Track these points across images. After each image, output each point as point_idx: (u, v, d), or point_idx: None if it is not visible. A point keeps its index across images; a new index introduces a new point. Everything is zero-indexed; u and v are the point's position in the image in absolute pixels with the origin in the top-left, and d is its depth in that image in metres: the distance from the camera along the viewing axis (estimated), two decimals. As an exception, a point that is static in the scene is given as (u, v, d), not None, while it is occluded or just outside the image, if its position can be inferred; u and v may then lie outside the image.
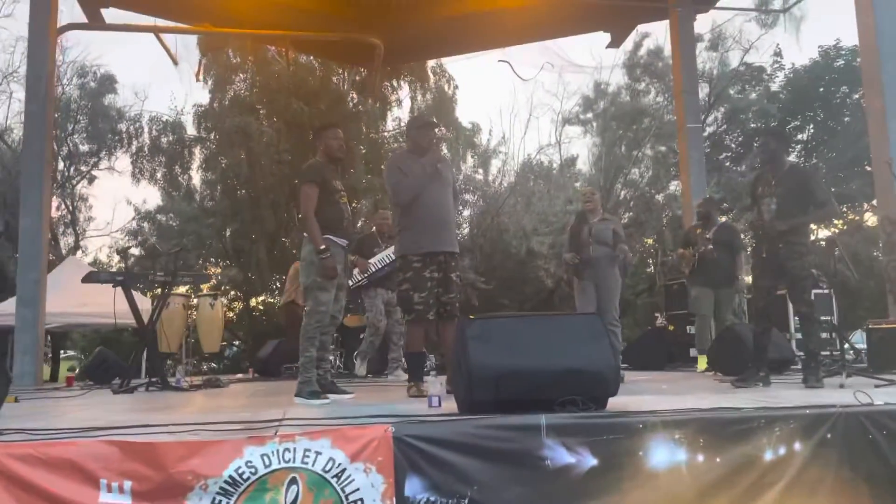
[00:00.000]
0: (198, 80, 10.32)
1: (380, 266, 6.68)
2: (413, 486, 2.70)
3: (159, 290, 8.49)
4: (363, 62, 11.12)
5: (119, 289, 6.30)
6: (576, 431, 2.90)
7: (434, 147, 4.75)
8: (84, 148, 14.38)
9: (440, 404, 3.46)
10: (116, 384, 6.00)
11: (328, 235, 4.43)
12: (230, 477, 2.53)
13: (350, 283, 6.70)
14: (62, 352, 18.32)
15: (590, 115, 18.52)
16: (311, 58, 14.25)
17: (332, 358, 4.77)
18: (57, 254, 14.18)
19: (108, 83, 14.02)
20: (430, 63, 16.52)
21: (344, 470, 2.63)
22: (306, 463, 2.64)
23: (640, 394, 4.26)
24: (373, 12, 10.13)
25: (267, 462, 2.61)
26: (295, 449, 2.65)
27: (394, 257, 6.12)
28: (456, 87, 16.79)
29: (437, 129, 4.83)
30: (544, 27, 11.90)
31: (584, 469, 2.83)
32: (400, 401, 4.19)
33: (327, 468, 2.63)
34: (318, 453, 2.66)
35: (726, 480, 2.89)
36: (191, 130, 15.61)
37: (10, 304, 9.35)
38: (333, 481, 2.62)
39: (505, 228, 14.72)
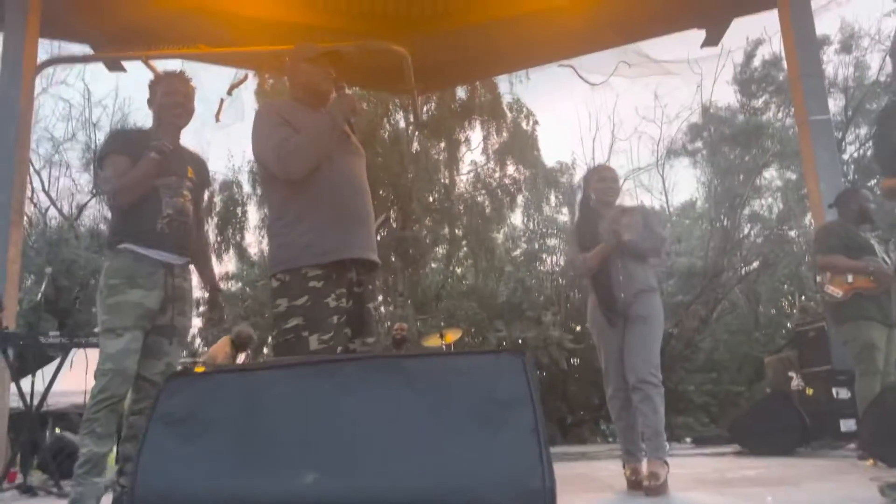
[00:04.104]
0: (218, 120, 9.06)
1: None
2: None
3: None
4: (392, 84, 9.57)
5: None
6: None
7: (342, 97, 2.51)
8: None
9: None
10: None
11: (127, 244, 2.64)
12: None
13: None
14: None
15: (699, 143, 15.98)
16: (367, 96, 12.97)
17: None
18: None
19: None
20: (506, 98, 14.82)
21: None
22: None
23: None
24: (396, 23, 8.56)
25: None
26: None
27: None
28: (535, 122, 14.92)
29: (335, 71, 2.56)
30: (621, 29, 9.84)
31: None
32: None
33: None
34: None
35: None
36: (247, 188, 14.73)
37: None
38: None
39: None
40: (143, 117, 13.66)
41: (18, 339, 4.49)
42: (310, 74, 2.56)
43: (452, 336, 7.60)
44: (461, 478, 1.24)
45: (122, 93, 17.52)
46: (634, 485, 3.30)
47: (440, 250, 14.60)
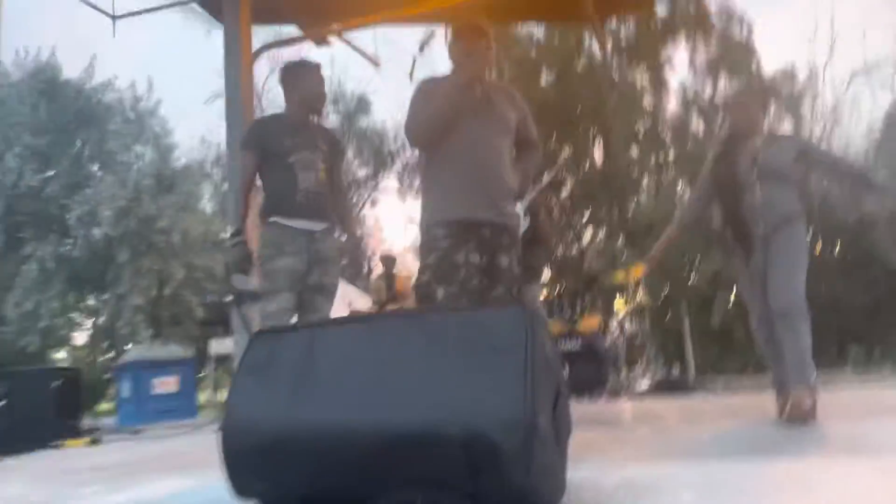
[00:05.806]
0: (411, 79, 9.74)
1: None
2: None
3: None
4: (575, 12, 9.37)
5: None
6: None
7: (465, 63, 2.76)
8: (361, 173, 15.02)
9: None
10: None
11: (275, 218, 3.15)
12: None
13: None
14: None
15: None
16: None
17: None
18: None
19: (362, 105, 14.45)
20: (713, 7, 13.64)
21: None
22: None
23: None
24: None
25: None
26: None
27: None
28: (750, 29, 13.54)
29: (486, 40, 2.88)
30: None
31: None
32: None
33: None
34: None
35: None
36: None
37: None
38: None
39: (826, 191, 11.17)
40: (357, 84, 14.86)
41: (248, 297, 5.46)
42: (453, 54, 2.83)
43: (639, 271, 7.53)
44: (459, 410, 1.52)
45: (335, 66, 19.16)
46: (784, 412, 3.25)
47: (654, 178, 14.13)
